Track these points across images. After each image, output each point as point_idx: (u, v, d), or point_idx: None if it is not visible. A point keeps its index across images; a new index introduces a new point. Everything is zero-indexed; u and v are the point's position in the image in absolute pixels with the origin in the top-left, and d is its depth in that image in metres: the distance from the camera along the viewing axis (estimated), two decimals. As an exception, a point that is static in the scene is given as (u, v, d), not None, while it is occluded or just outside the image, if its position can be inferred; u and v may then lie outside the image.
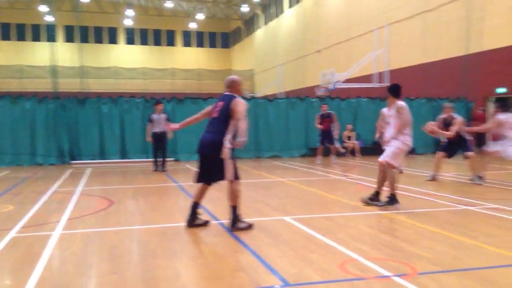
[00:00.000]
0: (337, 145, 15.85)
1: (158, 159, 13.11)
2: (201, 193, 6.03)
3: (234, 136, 5.72)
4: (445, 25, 21.44)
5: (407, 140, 7.04)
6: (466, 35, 19.95)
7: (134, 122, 16.67)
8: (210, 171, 5.83)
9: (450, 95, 19.10)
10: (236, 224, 5.77)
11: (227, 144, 5.66)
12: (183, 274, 4.18)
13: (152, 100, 16.82)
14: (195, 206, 5.99)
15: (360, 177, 11.19)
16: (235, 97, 5.84)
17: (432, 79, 21.69)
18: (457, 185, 9.55)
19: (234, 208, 5.84)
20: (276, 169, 13.43)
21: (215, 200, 8.19)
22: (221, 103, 5.87)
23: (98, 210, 7.29)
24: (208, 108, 6.14)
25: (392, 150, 7.04)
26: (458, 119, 10.13)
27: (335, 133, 15.01)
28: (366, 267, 4.25)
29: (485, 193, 8.41)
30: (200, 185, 6.02)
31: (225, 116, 5.73)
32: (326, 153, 15.62)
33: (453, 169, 12.30)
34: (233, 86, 5.99)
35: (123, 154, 16.62)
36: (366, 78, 25.52)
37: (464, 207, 7.13)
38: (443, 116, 10.39)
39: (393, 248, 4.89)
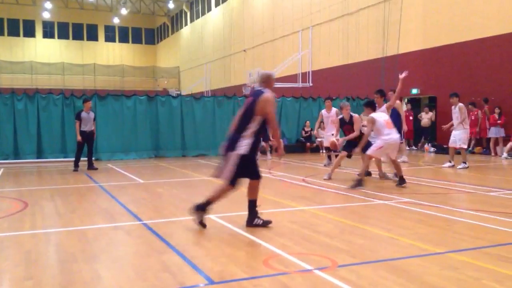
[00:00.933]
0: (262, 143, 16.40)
1: (83, 159, 12.80)
2: (252, 189, 5.77)
3: (259, 135, 5.53)
4: (364, 28, 22.47)
5: (386, 138, 8.77)
6: (384, 38, 21.06)
7: (52, 120, 15.81)
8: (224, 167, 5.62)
9: (369, 95, 20.04)
10: (197, 211, 5.62)
11: (244, 143, 5.45)
12: (105, 277, 4.05)
13: (73, 97, 16.11)
14: (253, 204, 5.75)
15: (284, 174, 11.45)
16: (263, 92, 5.56)
17: (352, 80, 22.66)
18: (373, 181, 10.05)
19: (209, 201, 5.63)
20: (202, 168, 13.38)
21: (139, 200, 8.03)
22: (250, 99, 5.64)
23: (12, 213, 6.86)
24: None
25: (374, 145, 8.99)
26: (355, 116, 10.36)
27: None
28: (289, 262, 4.36)
29: (398, 188, 8.92)
30: (248, 182, 5.80)
31: (250, 113, 5.49)
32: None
33: (371, 166, 12.94)
34: (268, 81, 5.71)
35: (39, 154, 15.72)
36: (291, 78, 26.15)
37: (380, 201, 7.53)
38: (340, 116, 10.79)
39: (314, 242, 5.06)
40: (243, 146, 5.46)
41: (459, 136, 12.21)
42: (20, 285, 3.88)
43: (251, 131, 5.48)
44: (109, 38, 50.77)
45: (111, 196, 8.30)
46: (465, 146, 12.40)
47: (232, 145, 5.52)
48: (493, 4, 16.69)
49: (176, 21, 48.99)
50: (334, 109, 13.47)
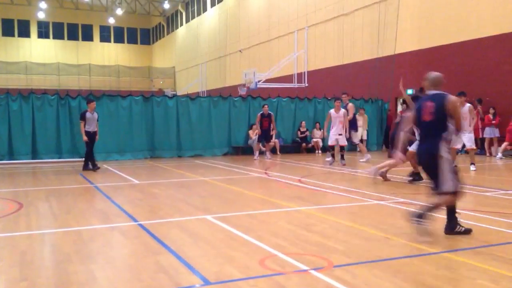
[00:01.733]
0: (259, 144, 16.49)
1: (80, 159, 12.82)
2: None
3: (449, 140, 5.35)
4: (359, 29, 22.52)
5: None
6: (379, 38, 21.10)
7: (47, 121, 15.71)
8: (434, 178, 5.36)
9: (364, 96, 20.10)
10: (419, 215, 5.17)
11: (444, 151, 5.23)
12: (100, 278, 4.04)
13: (68, 97, 16.05)
14: (452, 210, 5.39)
15: (280, 175, 11.45)
16: (445, 95, 5.35)
17: (348, 80, 22.68)
18: (369, 181, 10.06)
19: (435, 205, 5.24)
20: (198, 168, 13.36)
21: (135, 201, 8.01)
22: (431, 104, 5.34)
23: (6, 214, 6.83)
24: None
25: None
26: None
27: (273, 132, 16.61)
28: (285, 262, 4.37)
29: (394, 188, 8.95)
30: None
31: (441, 119, 5.25)
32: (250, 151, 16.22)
33: (366, 166, 12.97)
34: (440, 84, 5.46)
35: (34, 154, 15.63)
36: (286, 78, 26.17)
37: (376, 201, 7.55)
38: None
39: (310, 242, 5.07)
40: (446, 153, 5.26)
41: (467, 138, 11.77)
42: (15, 286, 3.87)
43: (448, 141, 5.34)
44: (104, 38, 50.64)
45: (106, 197, 8.28)
46: (474, 146, 12.23)
47: (432, 156, 5.27)
48: (488, 5, 16.76)
49: (171, 21, 48.93)
50: (342, 110, 13.60)
